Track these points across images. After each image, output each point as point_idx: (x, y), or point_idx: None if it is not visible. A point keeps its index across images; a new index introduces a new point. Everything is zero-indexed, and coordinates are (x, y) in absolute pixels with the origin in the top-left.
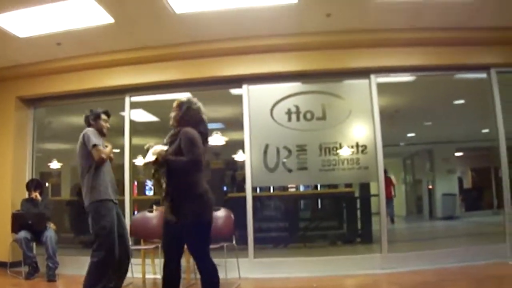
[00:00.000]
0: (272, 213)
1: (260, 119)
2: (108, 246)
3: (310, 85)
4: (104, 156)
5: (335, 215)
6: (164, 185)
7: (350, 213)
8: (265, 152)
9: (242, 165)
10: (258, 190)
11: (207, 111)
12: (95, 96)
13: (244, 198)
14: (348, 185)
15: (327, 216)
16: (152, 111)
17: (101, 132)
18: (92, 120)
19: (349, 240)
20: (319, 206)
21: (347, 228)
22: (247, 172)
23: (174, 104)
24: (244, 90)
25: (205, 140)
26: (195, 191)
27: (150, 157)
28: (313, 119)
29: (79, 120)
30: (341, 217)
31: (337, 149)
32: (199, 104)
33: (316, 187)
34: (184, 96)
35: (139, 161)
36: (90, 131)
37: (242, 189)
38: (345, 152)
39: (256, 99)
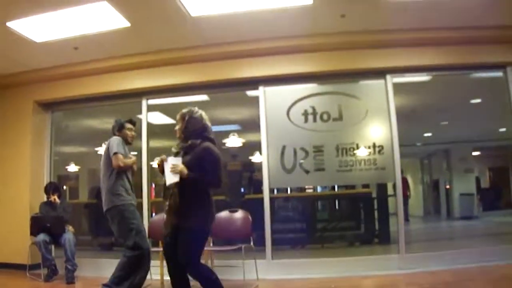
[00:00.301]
0: (290, 214)
1: (277, 121)
2: (138, 245)
3: (326, 86)
4: (121, 164)
5: (353, 215)
6: (175, 197)
7: (368, 214)
8: (282, 153)
9: (259, 166)
10: (275, 191)
11: (223, 113)
12: (112, 99)
13: (262, 199)
14: (365, 186)
15: (345, 217)
16: (169, 114)
17: (126, 141)
18: (117, 130)
19: (367, 240)
20: (337, 207)
21: (365, 229)
22: (264, 174)
23: (177, 117)
24: (260, 92)
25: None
26: (205, 203)
27: (173, 177)
28: (329, 120)
29: (96, 123)
30: (359, 217)
31: (354, 149)
32: (201, 111)
33: (333, 188)
34: (200, 98)
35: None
36: (114, 139)
37: (260, 191)
38: (362, 153)
39: (273, 101)
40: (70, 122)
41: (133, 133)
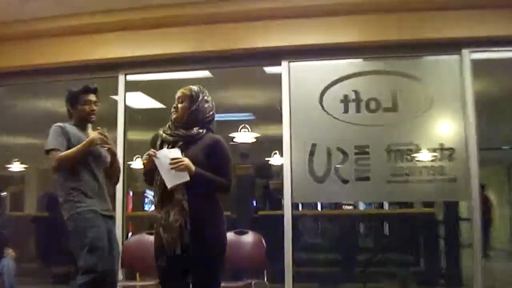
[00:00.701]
0: (319, 240)
1: (306, 109)
2: (90, 267)
3: (376, 62)
4: (55, 163)
5: (408, 245)
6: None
7: (430, 244)
8: (312, 154)
9: (278, 171)
10: (300, 207)
11: (231, 97)
12: (76, 72)
13: (281, 217)
14: (428, 204)
15: (397, 246)
16: (155, 95)
17: (85, 120)
18: (70, 106)
19: (428, 281)
20: (386, 232)
21: (426, 265)
22: (286, 182)
23: (182, 92)
24: (283, 68)
25: None
26: (220, 213)
27: (177, 176)
28: (379, 110)
29: (53, 105)
30: (417, 248)
31: (412, 152)
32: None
33: (381, 205)
34: (199, 75)
35: (137, 164)
36: (53, 129)
37: (278, 205)
38: (424, 157)
39: (300, 81)
40: (15, 102)
41: (93, 106)
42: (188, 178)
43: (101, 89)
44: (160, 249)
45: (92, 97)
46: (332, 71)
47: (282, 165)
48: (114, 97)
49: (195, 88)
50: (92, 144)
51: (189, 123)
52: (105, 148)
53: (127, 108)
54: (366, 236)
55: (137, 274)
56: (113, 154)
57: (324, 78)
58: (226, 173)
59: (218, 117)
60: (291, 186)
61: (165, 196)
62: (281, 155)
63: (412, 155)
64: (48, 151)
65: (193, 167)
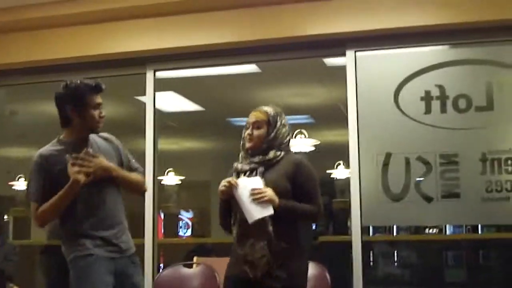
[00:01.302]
0: (397, 271)
1: (377, 110)
2: None
3: (466, 49)
4: (42, 219)
5: (510, 279)
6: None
7: None
8: (385, 165)
9: (343, 187)
10: (371, 231)
11: (283, 96)
12: (93, 69)
13: (348, 244)
14: None
15: (495, 280)
16: (191, 95)
17: (91, 131)
18: (75, 112)
19: None
20: (480, 262)
21: None
22: (354, 201)
23: (258, 116)
24: (348, 60)
25: None
26: (305, 248)
27: (260, 208)
28: (470, 109)
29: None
30: None
31: None
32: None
33: (475, 229)
34: (246, 69)
35: (170, 179)
36: (32, 164)
37: (344, 229)
38: None
39: (370, 75)
40: (19, 107)
41: (102, 111)
42: (272, 212)
43: (123, 89)
44: (233, 278)
45: (99, 99)
46: (410, 62)
47: (348, 180)
48: (141, 98)
49: (271, 111)
50: (77, 186)
51: (264, 151)
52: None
53: (157, 111)
54: (455, 267)
55: None
56: (108, 170)
57: (399, 71)
58: (314, 197)
59: None
60: (360, 205)
61: (247, 229)
62: (347, 166)
63: None
64: (30, 200)
65: (276, 200)
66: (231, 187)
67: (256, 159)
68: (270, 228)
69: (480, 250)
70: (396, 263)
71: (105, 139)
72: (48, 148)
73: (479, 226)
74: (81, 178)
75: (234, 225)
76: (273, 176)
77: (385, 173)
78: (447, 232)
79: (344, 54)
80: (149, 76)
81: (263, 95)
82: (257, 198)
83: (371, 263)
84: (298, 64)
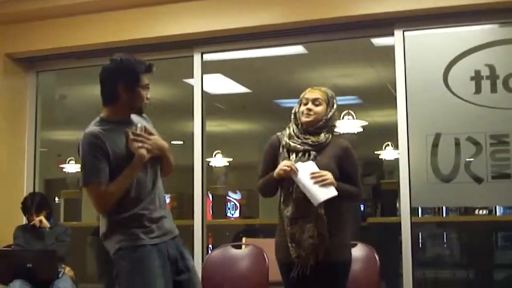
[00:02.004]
0: (446, 252)
1: (426, 90)
2: None
3: None
4: (109, 202)
5: None
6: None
7: None
8: (435, 146)
9: (392, 167)
10: (420, 212)
11: (330, 77)
12: (141, 52)
13: (397, 225)
14: None
15: None
16: (238, 77)
17: (136, 111)
18: (126, 89)
19: None
20: None
21: None
22: (403, 182)
23: (319, 93)
24: (397, 39)
25: None
26: (349, 225)
27: (325, 190)
28: None
29: None
30: None
31: None
32: None
33: None
34: (293, 51)
35: (218, 161)
36: (85, 145)
37: (393, 211)
38: None
39: (419, 55)
40: (68, 91)
41: (148, 93)
42: (336, 193)
43: (170, 71)
44: (286, 266)
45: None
46: (460, 41)
47: (397, 160)
48: (189, 81)
49: (329, 91)
50: (142, 161)
51: (318, 129)
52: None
53: (204, 94)
54: (505, 248)
55: None
56: (162, 149)
57: (449, 50)
58: (358, 182)
59: None
60: (409, 186)
61: (300, 209)
62: (396, 147)
63: None
64: (85, 185)
65: (335, 182)
66: (291, 172)
67: (309, 140)
68: (322, 210)
69: None
70: (445, 245)
71: (144, 118)
72: (96, 127)
73: None
74: (145, 153)
75: (286, 204)
76: (324, 160)
77: (435, 154)
78: (497, 213)
79: (392, 34)
80: (197, 58)
81: (310, 76)
82: (319, 181)
83: (420, 245)
84: (346, 45)
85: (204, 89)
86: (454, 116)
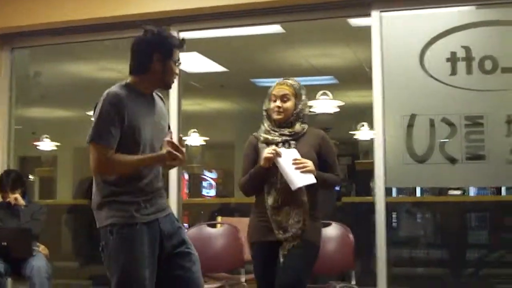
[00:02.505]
0: (420, 232)
1: (402, 71)
2: None
3: (493, 10)
4: (102, 169)
5: None
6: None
7: None
8: (410, 127)
9: (367, 148)
10: (393, 192)
11: (307, 56)
12: (116, 30)
13: (371, 205)
14: None
15: None
16: (215, 56)
17: (164, 86)
18: (161, 60)
19: None
20: (504, 223)
21: None
22: (377, 162)
23: (286, 89)
24: (374, 20)
25: None
26: (319, 208)
27: (304, 176)
28: (496, 70)
29: (89, 70)
30: None
31: None
32: None
33: (499, 191)
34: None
35: (194, 140)
36: (105, 103)
37: (367, 190)
38: None
39: (396, 36)
40: (43, 68)
41: (177, 68)
42: (314, 181)
43: None
44: (259, 244)
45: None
46: (436, 23)
47: (372, 141)
48: None
49: (295, 83)
50: (160, 164)
51: (291, 123)
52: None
53: (181, 72)
54: (478, 229)
55: None
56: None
57: (425, 32)
58: (336, 169)
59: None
60: (384, 166)
61: (285, 197)
62: (371, 127)
63: None
64: (92, 142)
65: (314, 170)
66: (275, 155)
67: (286, 131)
68: (305, 198)
69: (504, 212)
70: (419, 224)
71: (161, 98)
72: (121, 91)
73: (503, 188)
74: (169, 158)
75: (269, 193)
76: (304, 148)
77: (410, 135)
78: (471, 194)
79: (369, 15)
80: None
81: (287, 55)
82: (300, 167)
83: (394, 224)
84: (323, 25)
85: (180, 67)
86: (430, 97)
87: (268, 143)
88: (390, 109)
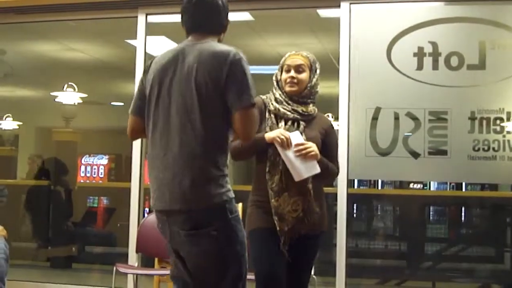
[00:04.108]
0: (380, 225)
1: (369, 64)
2: None
3: (461, 7)
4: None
5: (491, 237)
6: None
7: None
8: (374, 120)
9: None
10: (355, 184)
11: (276, 46)
12: (85, 11)
13: (333, 196)
14: None
15: (477, 237)
16: (183, 41)
17: None
18: (226, 26)
19: None
20: (463, 219)
21: None
22: (341, 154)
23: (303, 60)
24: (343, 12)
25: None
26: (323, 193)
27: (308, 165)
28: (462, 67)
29: (54, 50)
30: (502, 241)
31: (502, 121)
32: None
33: (459, 186)
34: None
35: None
36: (246, 62)
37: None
38: None
39: (364, 29)
40: (6, 46)
41: None
42: (319, 171)
43: (114, 33)
44: (262, 231)
45: None
46: (404, 17)
47: (337, 132)
48: (132, 41)
49: (311, 56)
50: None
51: (304, 98)
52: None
53: (148, 56)
54: (438, 223)
55: (156, 260)
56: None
57: (394, 26)
58: (336, 160)
59: (259, 69)
60: (347, 158)
61: (287, 182)
62: (336, 119)
63: (501, 126)
64: (251, 106)
65: (319, 155)
66: (284, 144)
67: (299, 109)
68: (310, 185)
69: (463, 207)
70: (379, 217)
71: None
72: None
73: (464, 183)
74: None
75: (272, 174)
76: (312, 132)
77: (374, 127)
78: (432, 188)
79: (339, 6)
80: (141, 19)
81: (255, 44)
82: (304, 154)
83: (355, 216)
84: (292, 14)
85: (147, 51)
86: (395, 91)
87: (277, 115)
88: (355, 101)
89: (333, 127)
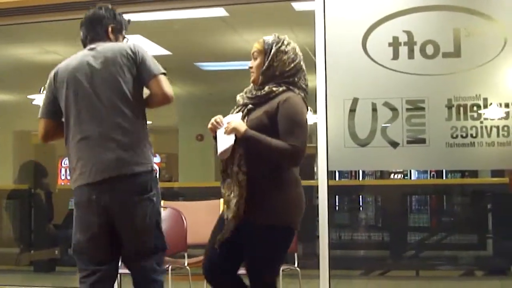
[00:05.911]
0: (362, 216)
1: (345, 55)
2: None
3: None
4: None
5: (473, 224)
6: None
7: (500, 222)
8: (352, 111)
9: (310, 132)
10: (336, 175)
11: (251, 40)
12: (59, 11)
13: (314, 189)
14: (497, 173)
15: (458, 225)
16: (159, 39)
17: None
18: (113, 32)
19: (498, 269)
20: (444, 207)
21: (495, 248)
22: (320, 145)
23: (255, 47)
24: (317, 4)
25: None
26: (288, 183)
27: (226, 140)
28: (437, 55)
29: (30, 53)
30: (484, 228)
31: (479, 108)
32: (293, 43)
33: (440, 174)
34: (214, 13)
35: None
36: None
37: (310, 174)
38: (494, 115)
39: (339, 20)
40: None
41: None
42: (232, 142)
43: None
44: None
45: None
46: (379, 7)
47: (315, 125)
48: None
49: (269, 38)
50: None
51: (265, 83)
52: None
53: None
54: (419, 212)
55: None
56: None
57: (368, 16)
58: (289, 136)
59: (235, 65)
60: (327, 150)
61: (225, 168)
62: (314, 111)
63: (479, 112)
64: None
65: (242, 129)
66: (217, 125)
67: (250, 94)
68: (236, 168)
69: (444, 195)
70: (361, 208)
71: None
72: None
73: (444, 171)
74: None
75: (220, 162)
76: (257, 114)
77: (352, 118)
78: (412, 178)
79: None
80: None
81: (231, 39)
82: (227, 132)
83: (337, 208)
84: (267, 9)
85: None
86: (372, 82)
87: (236, 105)
88: (333, 93)
89: (286, 102)
